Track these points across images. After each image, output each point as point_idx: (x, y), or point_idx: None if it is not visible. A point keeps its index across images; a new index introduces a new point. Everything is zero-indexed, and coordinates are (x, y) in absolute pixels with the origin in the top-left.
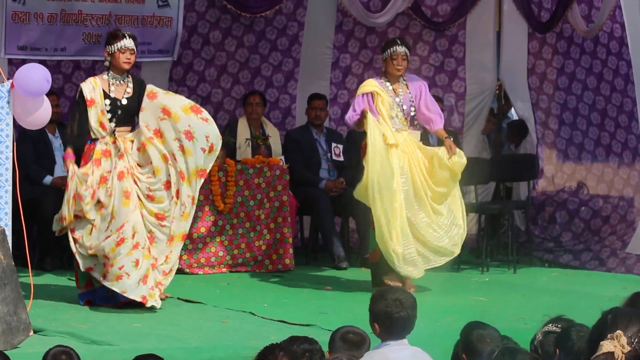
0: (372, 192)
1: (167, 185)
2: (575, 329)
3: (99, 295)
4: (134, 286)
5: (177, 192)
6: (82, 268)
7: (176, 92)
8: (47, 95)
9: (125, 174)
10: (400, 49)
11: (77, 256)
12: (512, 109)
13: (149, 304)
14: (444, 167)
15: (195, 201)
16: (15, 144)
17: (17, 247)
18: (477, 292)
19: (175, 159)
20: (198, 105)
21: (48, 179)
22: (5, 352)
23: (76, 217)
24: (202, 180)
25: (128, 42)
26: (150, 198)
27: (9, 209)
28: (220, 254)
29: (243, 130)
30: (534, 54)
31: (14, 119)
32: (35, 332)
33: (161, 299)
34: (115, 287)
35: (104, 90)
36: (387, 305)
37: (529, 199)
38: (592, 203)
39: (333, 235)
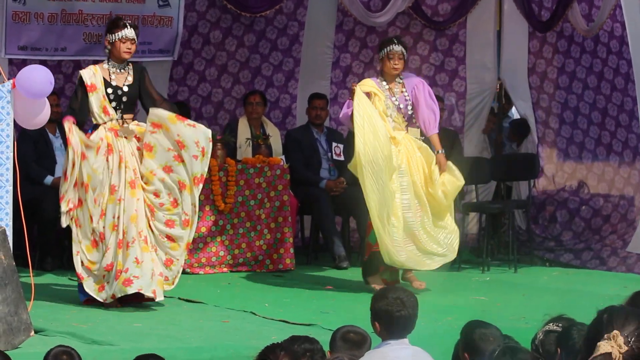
0: (362, 163)
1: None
2: (577, 328)
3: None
4: (148, 282)
5: (175, 200)
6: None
7: (177, 92)
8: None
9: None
10: (397, 48)
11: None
12: (513, 109)
13: (158, 299)
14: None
15: (197, 209)
16: (15, 144)
17: (18, 247)
18: (477, 292)
19: (172, 169)
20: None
21: (49, 179)
22: (6, 352)
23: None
24: (201, 186)
25: (129, 32)
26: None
27: (9, 209)
28: (221, 253)
29: (243, 130)
30: (535, 53)
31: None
32: (36, 332)
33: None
34: (131, 291)
35: (104, 79)
36: (388, 303)
37: (529, 198)
38: (593, 202)
39: (334, 234)
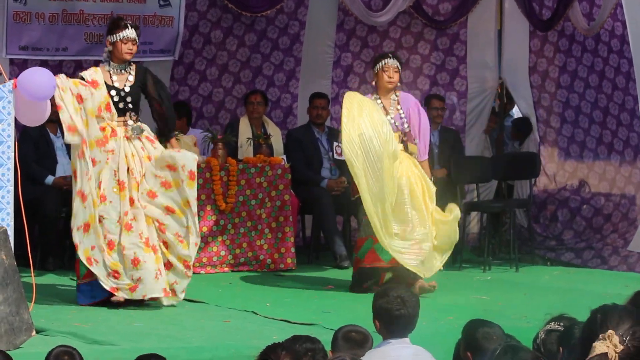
0: (353, 147)
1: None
2: (578, 327)
3: (98, 287)
4: (152, 284)
5: (161, 225)
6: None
7: (178, 91)
8: None
9: (129, 157)
10: (392, 62)
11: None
12: (514, 107)
13: (167, 302)
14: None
15: (191, 230)
16: (16, 143)
17: (19, 247)
18: (479, 291)
19: (156, 195)
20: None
21: (50, 179)
22: (7, 352)
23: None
24: (193, 207)
25: (130, 33)
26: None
27: (10, 209)
28: (222, 253)
29: (244, 130)
30: (536, 52)
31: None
32: (37, 332)
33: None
34: (136, 296)
35: (106, 83)
36: (388, 302)
37: (530, 197)
38: (594, 201)
39: (335, 234)
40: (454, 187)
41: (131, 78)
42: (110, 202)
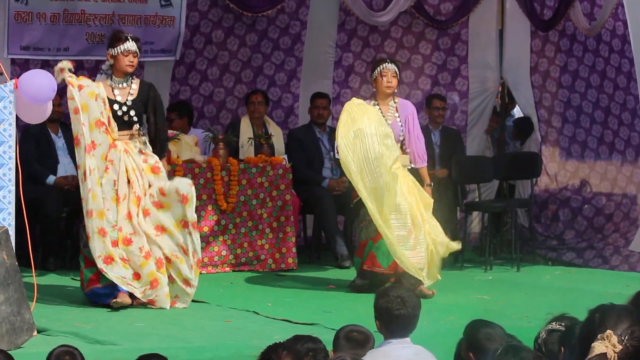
0: (348, 140)
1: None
2: (580, 327)
3: (100, 293)
4: (163, 297)
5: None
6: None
7: (179, 91)
8: None
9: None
10: (390, 66)
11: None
12: (516, 107)
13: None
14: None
15: (188, 249)
16: (18, 143)
17: (20, 247)
18: (480, 291)
19: (149, 212)
20: (158, 166)
21: (51, 179)
22: (9, 352)
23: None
24: (191, 228)
25: (131, 45)
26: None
27: (12, 208)
28: (224, 253)
29: (246, 130)
30: (537, 52)
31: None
32: (38, 332)
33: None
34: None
35: (107, 97)
36: (389, 301)
37: (531, 197)
38: (595, 201)
39: (336, 234)
40: (455, 187)
41: (133, 91)
42: (108, 209)
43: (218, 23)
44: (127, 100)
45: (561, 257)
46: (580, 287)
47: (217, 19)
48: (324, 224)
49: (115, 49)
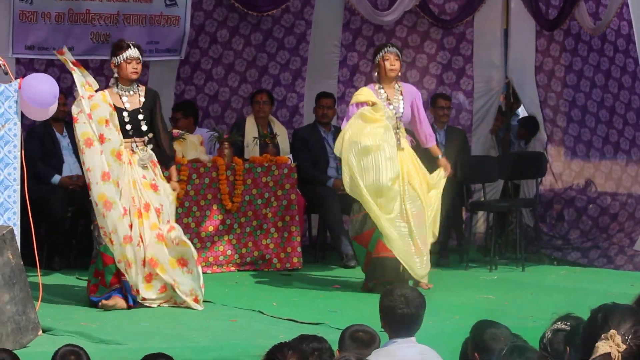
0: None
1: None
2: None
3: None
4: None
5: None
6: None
7: (184, 90)
8: None
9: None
10: (392, 49)
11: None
12: (521, 107)
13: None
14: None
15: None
16: (23, 143)
17: (26, 246)
18: (485, 290)
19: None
20: (155, 184)
21: (56, 179)
22: (14, 351)
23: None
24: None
25: (133, 52)
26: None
27: (17, 208)
28: (229, 252)
29: (251, 129)
30: (542, 52)
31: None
32: (44, 331)
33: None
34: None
35: (116, 105)
36: (393, 300)
37: (537, 196)
38: (600, 200)
39: (341, 233)
40: (460, 187)
41: (142, 99)
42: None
43: (223, 22)
44: (136, 108)
45: (566, 257)
46: (585, 287)
47: (222, 19)
48: (329, 223)
49: (118, 57)
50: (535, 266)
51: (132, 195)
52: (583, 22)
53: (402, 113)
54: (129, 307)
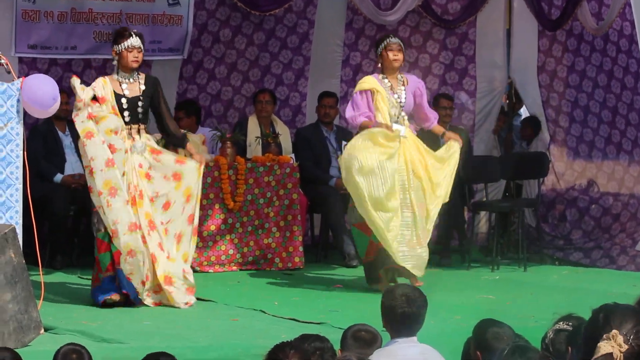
0: (353, 172)
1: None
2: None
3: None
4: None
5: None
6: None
7: (186, 90)
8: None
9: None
10: (394, 40)
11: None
12: (523, 107)
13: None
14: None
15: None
16: (25, 141)
17: (28, 245)
18: (487, 290)
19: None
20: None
21: (58, 177)
22: (16, 350)
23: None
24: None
25: (135, 41)
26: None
27: (19, 207)
28: (231, 252)
29: (253, 128)
30: (544, 52)
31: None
32: (45, 330)
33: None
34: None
35: (115, 92)
36: (394, 299)
37: (539, 196)
38: (603, 201)
39: (343, 233)
40: (463, 187)
41: (142, 87)
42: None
43: (226, 22)
44: (136, 95)
45: (568, 257)
46: (587, 287)
47: (224, 18)
48: (331, 222)
49: (119, 45)
50: (537, 266)
51: (129, 182)
52: (585, 23)
53: (405, 101)
54: (126, 300)
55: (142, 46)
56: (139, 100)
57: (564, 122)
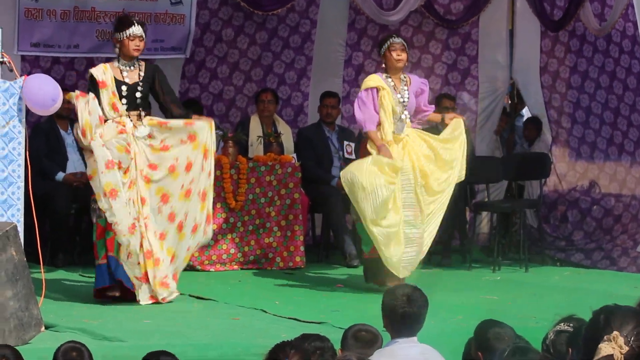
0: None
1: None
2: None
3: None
4: (141, 293)
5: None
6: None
7: (188, 89)
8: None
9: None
10: (397, 40)
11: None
12: (525, 108)
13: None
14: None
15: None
16: (27, 139)
17: (29, 243)
18: (488, 291)
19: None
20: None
21: (60, 175)
22: (16, 347)
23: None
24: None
25: (137, 29)
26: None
27: (21, 205)
28: (232, 251)
29: (255, 128)
30: (547, 53)
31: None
32: (46, 327)
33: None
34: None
35: (115, 78)
36: (395, 299)
37: (540, 197)
38: (604, 202)
39: (344, 233)
40: (464, 187)
41: (142, 74)
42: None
43: (228, 21)
44: (136, 82)
45: (569, 258)
46: (588, 288)
47: (227, 17)
48: (333, 222)
49: (121, 33)
50: (538, 267)
51: (140, 169)
52: (588, 23)
53: (408, 100)
54: (123, 294)
55: (144, 35)
56: (138, 85)
57: (566, 123)
